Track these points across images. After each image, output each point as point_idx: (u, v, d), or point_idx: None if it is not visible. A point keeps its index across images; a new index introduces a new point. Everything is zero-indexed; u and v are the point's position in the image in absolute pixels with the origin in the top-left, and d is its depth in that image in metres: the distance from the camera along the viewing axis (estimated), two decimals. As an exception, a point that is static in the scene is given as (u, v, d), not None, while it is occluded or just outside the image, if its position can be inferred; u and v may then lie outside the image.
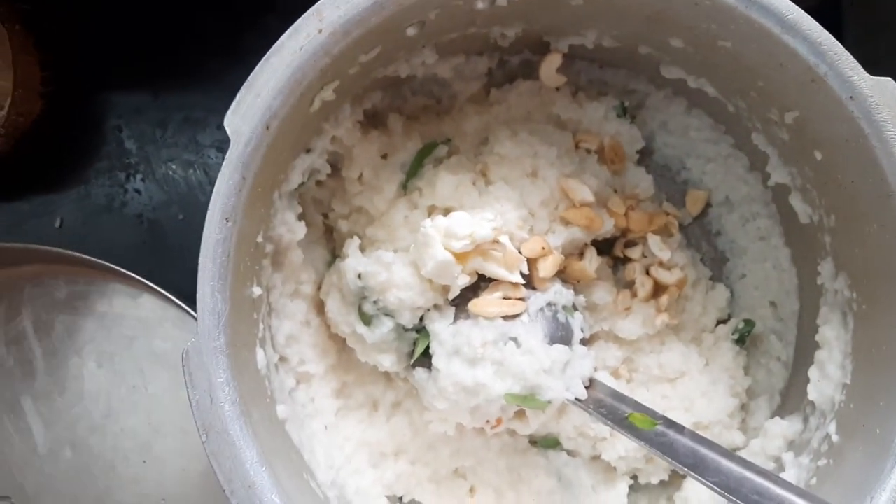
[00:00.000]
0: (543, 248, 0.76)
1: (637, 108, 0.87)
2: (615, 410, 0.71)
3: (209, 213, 0.61)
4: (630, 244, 0.86)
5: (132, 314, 0.85)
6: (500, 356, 0.70)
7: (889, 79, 0.61)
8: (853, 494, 0.61)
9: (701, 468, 0.63)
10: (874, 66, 0.62)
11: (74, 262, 0.84)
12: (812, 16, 0.62)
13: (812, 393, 0.72)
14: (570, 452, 0.84)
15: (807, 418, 0.74)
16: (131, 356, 0.85)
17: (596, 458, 0.83)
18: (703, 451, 0.64)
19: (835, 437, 0.68)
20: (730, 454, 0.63)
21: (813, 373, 0.73)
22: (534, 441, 0.84)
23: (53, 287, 0.87)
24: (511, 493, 0.81)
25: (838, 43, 0.62)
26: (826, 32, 0.62)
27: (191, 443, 0.83)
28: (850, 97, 0.62)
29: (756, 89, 0.71)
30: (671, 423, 0.67)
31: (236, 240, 0.62)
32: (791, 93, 0.67)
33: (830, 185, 0.70)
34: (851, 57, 0.62)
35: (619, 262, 0.87)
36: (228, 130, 0.61)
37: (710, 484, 0.62)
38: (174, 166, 0.94)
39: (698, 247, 0.89)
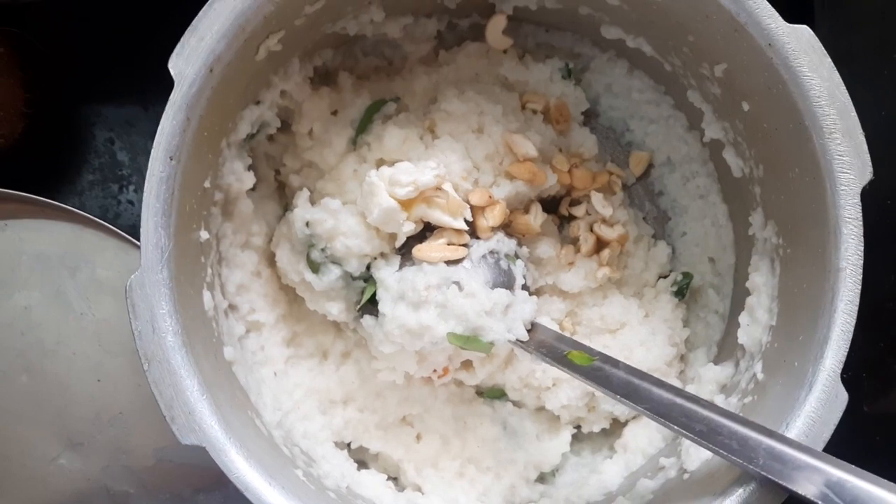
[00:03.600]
0: (490, 198, 0.78)
1: (582, 72, 0.90)
2: (555, 350, 0.73)
3: (153, 151, 0.63)
4: (575, 203, 0.89)
5: (74, 246, 0.86)
6: (443, 299, 0.73)
7: (805, 26, 0.64)
8: (772, 423, 0.63)
9: (634, 396, 0.66)
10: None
11: (12, 200, 0.85)
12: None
13: (742, 337, 0.75)
14: (515, 403, 0.86)
15: (737, 362, 0.77)
16: (76, 286, 0.87)
17: (541, 408, 0.86)
18: (637, 381, 0.67)
19: (760, 376, 0.71)
20: (661, 383, 0.66)
21: (743, 318, 0.76)
22: (480, 392, 0.87)
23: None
24: (456, 440, 0.83)
25: (757, -8, 0.65)
26: (746, -18, 0.65)
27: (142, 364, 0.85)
28: (769, 44, 0.65)
29: (688, 45, 0.74)
30: (607, 359, 0.70)
31: (181, 180, 0.64)
32: (718, 45, 0.70)
33: (758, 135, 0.73)
34: (770, 6, 0.65)
35: (564, 221, 0.90)
36: (173, 72, 0.63)
37: (642, 410, 0.65)
38: (167, 176, 0.96)
39: (641, 206, 0.92)
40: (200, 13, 0.64)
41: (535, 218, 0.83)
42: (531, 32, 0.89)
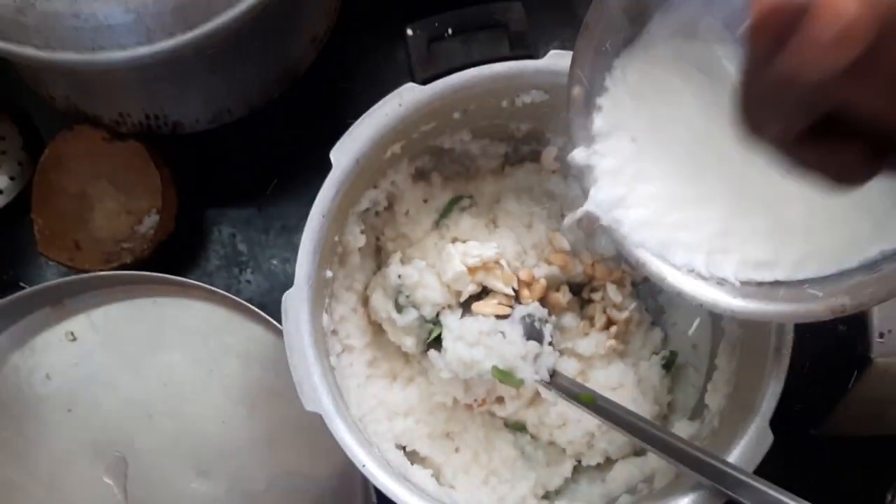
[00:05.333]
0: (533, 277, 1.07)
1: (610, 194, 1.20)
2: (569, 391, 1.00)
3: (312, 211, 0.91)
4: (594, 290, 1.16)
5: (207, 319, 1.09)
6: (491, 343, 1.00)
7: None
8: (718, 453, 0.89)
9: (625, 426, 0.93)
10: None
11: (160, 281, 1.09)
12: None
13: (707, 399, 1.02)
14: (532, 436, 1.11)
15: (703, 419, 1.02)
16: (207, 349, 1.09)
17: (551, 443, 1.11)
18: (628, 417, 0.94)
19: (716, 426, 0.97)
20: (645, 420, 0.93)
21: (710, 386, 1.02)
22: (507, 424, 1.12)
23: (143, 303, 1.12)
24: (485, 455, 1.08)
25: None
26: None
27: (257, 410, 1.08)
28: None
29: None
30: (605, 399, 0.97)
31: (325, 233, 0.93)
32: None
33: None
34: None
35: (584, 303, 1.17)
36: (332, 159, 0.93)
37: (630, 436, 0.92)
38: (275, 262, 1.22)
39: (644, 300, 1.18)
40: (357, 122, 0.94)
41: (564, 296, 1.11)
42: (574, 161, 1.19)
